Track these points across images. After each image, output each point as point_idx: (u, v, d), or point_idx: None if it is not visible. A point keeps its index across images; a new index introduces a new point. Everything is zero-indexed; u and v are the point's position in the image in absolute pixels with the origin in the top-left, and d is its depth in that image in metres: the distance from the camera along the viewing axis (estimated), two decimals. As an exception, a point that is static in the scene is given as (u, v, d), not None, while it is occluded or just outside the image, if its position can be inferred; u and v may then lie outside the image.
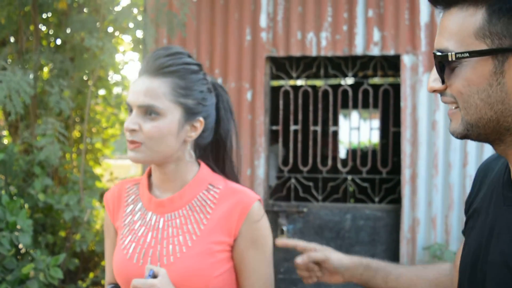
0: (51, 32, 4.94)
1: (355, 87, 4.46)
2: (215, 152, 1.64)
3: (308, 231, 4.13)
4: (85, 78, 4.79)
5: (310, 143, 4.23)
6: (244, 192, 1.55)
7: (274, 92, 4.43)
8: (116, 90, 5.79)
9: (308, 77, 5.00)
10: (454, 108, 1.05)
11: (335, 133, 6.16)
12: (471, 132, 1.04)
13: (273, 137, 4.45)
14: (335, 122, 5.45)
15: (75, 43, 4.52)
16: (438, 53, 1.01)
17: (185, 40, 4.14)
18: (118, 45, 5.40)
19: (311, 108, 4.19)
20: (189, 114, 1.51)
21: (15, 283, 3.62)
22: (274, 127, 4.27)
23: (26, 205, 4.25)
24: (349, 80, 5.06)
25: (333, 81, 5.83)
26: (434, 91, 1.07)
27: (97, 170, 5.72)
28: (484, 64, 0.98)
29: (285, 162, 4.30)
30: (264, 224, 1.54)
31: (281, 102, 4.24)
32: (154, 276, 1.38)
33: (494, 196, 1.12)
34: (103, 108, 5.87)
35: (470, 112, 1.02)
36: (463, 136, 1.06)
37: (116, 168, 6.87)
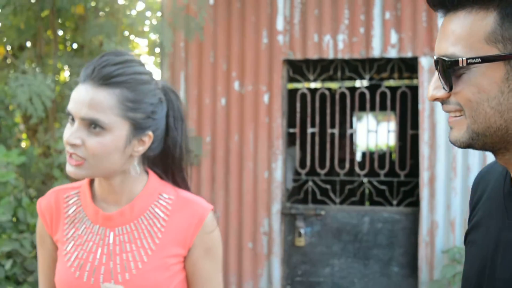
0: (67, 36, 5.00)
1: (372, 89, 4.45)
2: (163, 163, 1.54)
3: (326, 234, 4.12)
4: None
5: (328, 145, 4.23)
6: (197, 203, 1.51)
7: (291, 94, 4.44)
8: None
9: (324, 80, 5.00)
10: (458, 116, 0.99)
11: (352, 136, 6.15)
12: (476, 141, 0.99)
13: (290, 139, 4.45)
14: (352, 125, 5.44)
15: (93, 47, 4.57)
16: (446, 59, 0.96)
17: (202, 44, 4.16)
18: (134, 48, 5.44)
19: (328, 111, 4.19)
20: (138, 129, 1.41)
21: (36, 284, 3.68)
22: (291, 130, 4.27)
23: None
24: (366, 83, 5.05)
25: (349, 84, 5.82)
26: (436, 99, 1.01)
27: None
28: (496, 70, 0.94)
29: (302, 164, 4.31)
30: (217, 233, 1.51)
31: (298, 105, 4.24)
32: None
33: (494, 208, 1.08)
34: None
35: (478, 120, 0.97)
36: (467, 145, 1.01)
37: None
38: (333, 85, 6.57)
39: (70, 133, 1.35)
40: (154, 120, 1.43)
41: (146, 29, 3.98)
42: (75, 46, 4.93)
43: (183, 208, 1.50)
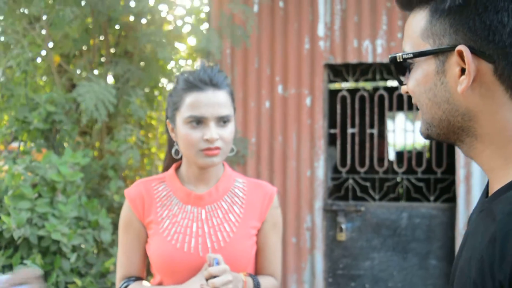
0: (116, 44, 5.28)
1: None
2: None
3: (366, 229, 4.33)
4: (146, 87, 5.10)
5: (367, 145, 4.44)
6: (266, 185, 1.88)
7: (331, 96, 4.65)
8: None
9: (364, 81, 5.20)
10: (418, 109, 1.05)
11: (386, 135, 6.34)
12: (430, 131, 1.03)
13: (331, 140, 4.67)
14: (386, 125, 5.62)
15: (143, 55, 4.84)
16: (389, 56, 1.03)
17: (247, 50, 4.40)
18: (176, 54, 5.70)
19: (367, 111, 4.40)
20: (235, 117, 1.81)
21: (97, 276, 3.95)
22: (332, 131, 4.49)
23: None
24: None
25: (384, 84, 6.01)
26: (404, 91, 1.07)
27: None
28: (429, 64, 0.97)
29: (343, 163, 4.52)
30: (280, 211, 1.89)
31: (338, 107, 4.46)
32: (218, 263, 1.64)
33: (478, 203, 1.09)
34: (158, 113, 6.20)
35: (424, 111, 1.02)
36: (426, 135, 1.05)
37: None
38: (368, 85, 6.75)
39: (211, 132, 1.70)
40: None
41: (191, 36, 4.22)
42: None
43: (256, 189, 1.86)
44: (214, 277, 1.62)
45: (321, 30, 4.32)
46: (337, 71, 4.56)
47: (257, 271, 1.88)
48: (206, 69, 1.75)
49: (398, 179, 4.62)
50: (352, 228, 4.34)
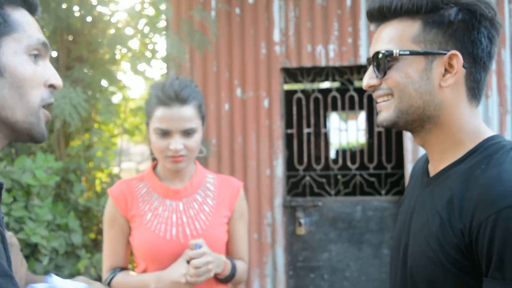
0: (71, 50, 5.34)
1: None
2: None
3: (323, 222, 4.59)
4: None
5: (322, 144, 4.70)
6: (234, 180, 2.17)
7: (287, 98, 4.88)
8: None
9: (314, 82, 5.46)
10: (386, 99, 1.29)
11: (326, 135, 6.65)
12: (400, 119, 1.28)
13: (288, 140, 4.90)
14: (325, 124, 5.92)
15: (99, 59, 4.93)
16: (382, 51, 1.26)
17: (206, 54, 4.58)
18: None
19: (321, 112, 4.67)
20: (203, 125, 2.04)
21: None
22: (289, 131, 4.73)
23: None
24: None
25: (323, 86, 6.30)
26: (370, 86, 1.31)
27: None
28: (419, 62, 1.24)
29: (300, 161, 4.77)
30: (246, 202, 2.18)
31: (294, 108, 4.70)
32: (201, 247, 1.91)
33: (416, 184, 1.40)
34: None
35: (404, 100, 1.26)
36: (392, 124, 1.30)
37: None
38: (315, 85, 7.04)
39: (175, 143, 1.93)
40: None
41: (158, 44, 4.36)
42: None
43: (225, 183, 2.13)
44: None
45: (276, 36, 4.55)
46: (292, 74, 4.80)
47: (228, 255, 2.14)
48: (174, 84, 1.95)
49: (353, 175, 4.89)
50: (310, 222, 4.59)
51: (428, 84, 1.24)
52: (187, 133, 1.94)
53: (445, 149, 1.29)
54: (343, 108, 4.82)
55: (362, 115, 5.35)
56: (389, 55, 1.26)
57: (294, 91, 5.05)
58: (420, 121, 1.28)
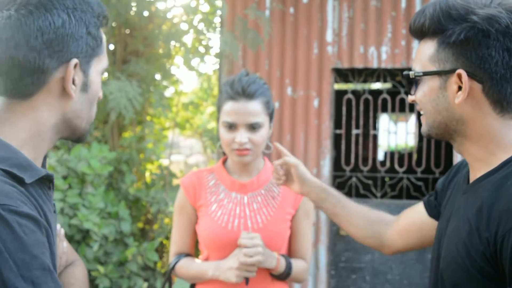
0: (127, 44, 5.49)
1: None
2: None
3: (368, 224, 4.59)
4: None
5: (370, 145, 4.70)
6: None
7: (338, 99, 4.90)
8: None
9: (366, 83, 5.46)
10: (422, 113, 1.38)
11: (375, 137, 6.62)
12: (431, 132, 1.37)
13: (336, 140, 4.93)
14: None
15: (157, 53, 5.06)
16: (406, 73, 1.37)
17: (258, 53, 4.64)
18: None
19: (371, 114, 4.66)
20: (271, 121, 2.11)
21: (116, 264, 4.19)
22: (338, 131, 4.75)
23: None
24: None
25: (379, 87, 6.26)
26: (412, 101, 1.41)
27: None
28: (434, 81, 1.31)
29: (347, 162, 4.78)
30: (311, 203, 2.18)
31: (344, 109, 4.72)
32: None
33: (457, 189, 1.44)
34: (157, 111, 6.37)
35: (428, 115, 1.35)
36: (428, 135, 1.39)
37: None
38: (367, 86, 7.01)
39: (240, 137, 2.01)
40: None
41: (214, 42, 4.44)
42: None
43: None
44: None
45: (329, 36, 4.57)
46: (343, 75, 4.81)
47: (290, 254, 2.19)
48: (242, 80, 2.05)
49: (400, 178, 4.87)
50: (355, 223, 4.59)
51: (444, 101, 1.31)
52: (253, 127, 2.01)
53: (479, 159, 1.32)
54: (393, 110, 4.80)
55: (413, 118, 5.30)
56: (408, 76, 1.36)
57: (345, 92, 5.06)
58: (448, 134, 1.35)
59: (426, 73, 1.32)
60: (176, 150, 9.32)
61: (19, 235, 0.96)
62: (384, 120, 8.29)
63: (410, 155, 5.96)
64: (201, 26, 4.79)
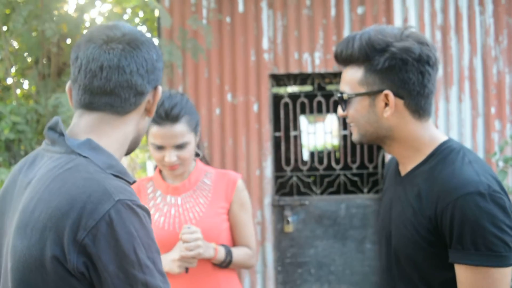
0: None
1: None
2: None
3: (310, 220, 4.86)
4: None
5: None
6: (231, 173, 2.41)
7: (275, 103, 5.14)
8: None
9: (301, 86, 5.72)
10: (352, 126, 1.67)
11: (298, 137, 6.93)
12: (363, 139, 1.67)
13: (275, 142, 5.15)
14: (296, 128, 6.16)
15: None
16: (339, 94, 1.65)
17: (199, 62, 4.79)
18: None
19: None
20: (196, 136, 2.28)
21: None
22: (277, 134, 4.98)
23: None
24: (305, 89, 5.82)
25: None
26: (341, 115, 1.68)
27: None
28: (364, 101, 1.61)
29: (288, 162, 5.02)
30: (247, 193, 2.41)
31: (282, 112, 4.96)
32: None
33: (391, 182, 1.77)
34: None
35: (359, 127, 1.65)
36: (359, 142, 1.69)
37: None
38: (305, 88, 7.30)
39: (169, 157, 2.19)
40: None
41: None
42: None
43: (222, 177, 2.37)
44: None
45: (265, 44, 4.80)
46: (280, 80, 5.05)
47: (234, 243, 2.39)
48: (165, 104, 2.18)
49: (337, 175, 5.17)
50: (298, 220, 4.84)
51: (374, 116, 1.61)
52: (180, 146, 2.18)
53: (407, 155, 1.66)
54: (318, 112, 5.10)
55: (330, 119, 5.64)
56: (342, 97, 1.65)
57: (281, 96, 5.31)
58: (378, 139, 1.66)
59: (358, 94, 1.61)
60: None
61: (145, 225, 1.22)
62: (303, 122, 8.68)
63: (329, 153, 6.27)
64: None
